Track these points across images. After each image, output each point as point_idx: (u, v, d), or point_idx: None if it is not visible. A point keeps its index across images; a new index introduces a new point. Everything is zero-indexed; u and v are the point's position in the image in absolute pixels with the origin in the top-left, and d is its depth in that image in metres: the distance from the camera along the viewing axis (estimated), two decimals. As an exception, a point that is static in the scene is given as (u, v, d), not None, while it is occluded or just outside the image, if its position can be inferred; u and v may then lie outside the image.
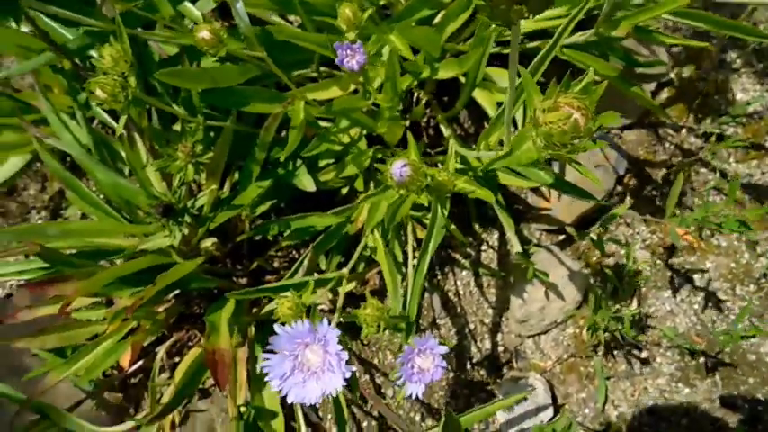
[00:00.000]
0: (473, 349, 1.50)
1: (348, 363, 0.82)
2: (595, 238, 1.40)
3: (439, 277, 1.54)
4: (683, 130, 1.59)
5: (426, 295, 1.52)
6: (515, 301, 1.44)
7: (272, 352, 0.84)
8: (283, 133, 1.34)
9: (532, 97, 0.65)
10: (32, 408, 1.38)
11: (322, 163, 1.39)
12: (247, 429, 1.34)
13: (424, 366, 0.89)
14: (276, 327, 0.83)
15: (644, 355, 1.47)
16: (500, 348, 1.50)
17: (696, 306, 1.49)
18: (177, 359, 1.53)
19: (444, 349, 0.88)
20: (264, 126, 1.23)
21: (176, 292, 1.48)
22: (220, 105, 1.21)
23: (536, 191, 1.55)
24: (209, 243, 1.36)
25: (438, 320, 1.52)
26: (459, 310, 1.52)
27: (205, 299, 1.53)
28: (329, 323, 0.82)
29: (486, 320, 1.51)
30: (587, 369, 1.48)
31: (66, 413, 1.39)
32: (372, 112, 1.31)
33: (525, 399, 1.37)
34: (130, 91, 0.92)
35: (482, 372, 1.49)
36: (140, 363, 1.50)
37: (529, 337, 1.49)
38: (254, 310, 1.43)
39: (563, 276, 1.43)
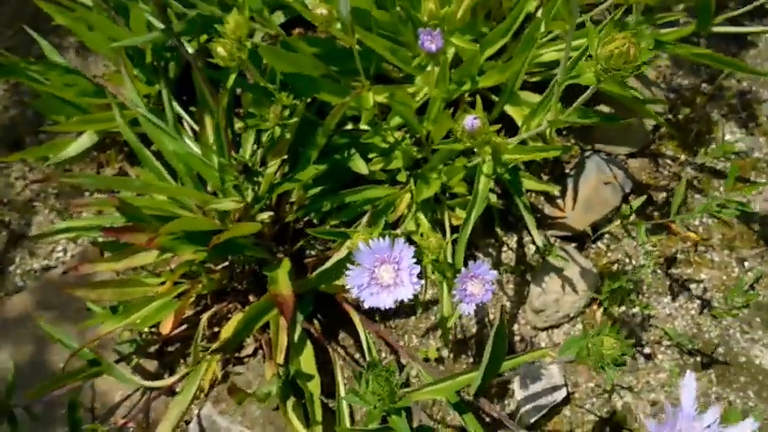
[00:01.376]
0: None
1: (420, 276, 0.98)
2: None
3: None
4: (680, 161, 1.82)
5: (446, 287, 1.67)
6: (534, 290, 1.59)
7: (352, 265, 0.99)
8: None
9: (593, 37, 0.85)
10: (83, 355, 1.48)
11: (371, 155, 1.58)
12: (285, 387, 1.44)
13: (474, 291, 1.04)
14: (360, 244, 0.99)
15: (647, 351, 1.62)
16: (516, 338, 1.64)
17: (693, 312, 1.66)
18: (216, 329, 1.64)
19: (494, 275, 1.04)
20: (331, 113, 1.43)
21: (225, 264, 1.62)
22: (299, 89, 1.40)
23: (551, 202, 1.75)
24: (265, 216, 1.52)
25: (461, 310, 1.66)
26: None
27: (248, 275, 1.67)
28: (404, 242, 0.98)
29: (504, 312, 1.66)
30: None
31: (113, 364, 1.49)
32: (421, 110, 1.51)
33: (541, 377, 1.50)
34: (245, 51, 1.11)
35: (499, 358, 1.62)
36: (181, 329, 1.61)
37: (543, 329, 1.64)
38: (298, 281, 1.56)
39: (576, 273, 1.60)
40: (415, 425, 1.16)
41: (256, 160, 1.40)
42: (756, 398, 1.57)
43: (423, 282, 0.98)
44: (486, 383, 1.16)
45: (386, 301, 0.98)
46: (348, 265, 0.99)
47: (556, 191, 1.57)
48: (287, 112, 1.31)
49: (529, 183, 1.60)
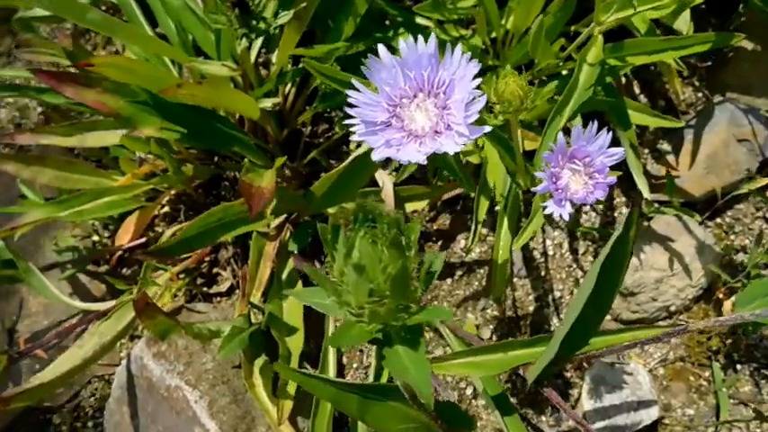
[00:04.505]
0: (554, 321, 1.16)
1: (479, 121, 0.53)
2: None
3: (524, 221, 1.24)
4: None
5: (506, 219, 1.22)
6: (627, 262, 1.12)
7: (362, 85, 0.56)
8: None
9: None
10: (-4, 250, 1.09)
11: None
12: (254, 335, 1.01)
13: (574, 186, 0.59)
14: (380, 48, 0.56)
15: (781, 380, 1.12)
16: (589, 329, 1.16)
17: None
18: (188, 255, 1.23)
19: (619, 154, 0.59)
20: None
21: (209, 166, 1.22)
22: None
23: (659, 157, 1.28)
24: (269, 103, 1.11)
25: (515, 279, 1.20)
26: (543, 272, 1.21)
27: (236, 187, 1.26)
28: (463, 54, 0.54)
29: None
30: (699, 381, 1.13)
31: (33, 268, 1.09)
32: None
33: (623, 386, 1.02)
34: None
35: (561, 353, 1.14)
36: (141, 242, 1.21)
37: (629, 323, 1.16)
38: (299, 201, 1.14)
39: (691, 247, 1.12)
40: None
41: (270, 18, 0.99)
42: None
43: (485, 129, 0.53)
44: (567, 356, 0.69)
45: (413, 155, 0.54)
46: (354, 83, 0.55)
47: (679, 124, 1.10)
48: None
49: (638, 115, 1.14)
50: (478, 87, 0.53)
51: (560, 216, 0.59)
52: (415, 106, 0.56)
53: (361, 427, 0.94)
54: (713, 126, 1.25)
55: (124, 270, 1.28)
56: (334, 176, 1.00)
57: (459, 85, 0.54)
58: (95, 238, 1.25)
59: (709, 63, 1.36)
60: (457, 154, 0.57)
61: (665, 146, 1.29)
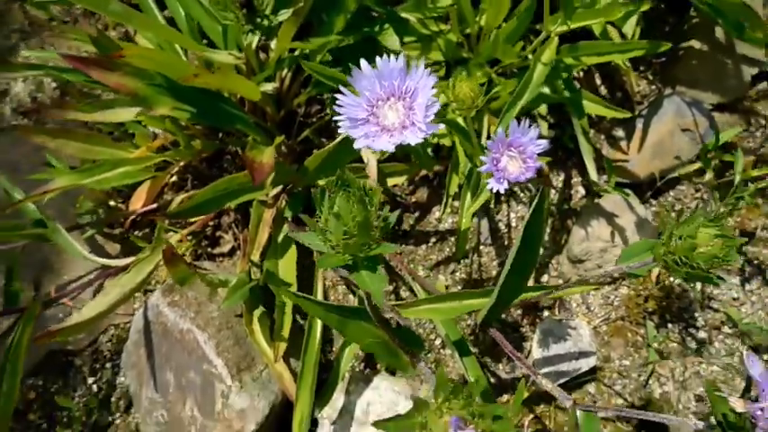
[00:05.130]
0: (514, 284, 1.34)
1: (436, 118, 0.70)
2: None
3: (493, 206, 1.41)
4: (778, 123, 1.49)
5: (475, 219, 1.39)
6: (577, 234, 1.30)
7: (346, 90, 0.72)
8: None
9: None
10: (27, 212, 1.25)
11: (407, 39, 1.30)
12: (254, 290, 1.18)
13: (510, 168, 0.76)
14: (362, 62, 0.72)
15: (701, 335, 1.30)
16: (543, 291, 1.34)
17: (767, 300, 1.34)
18: (194, 220, 1.39)
19: (542, 145, 0.75)
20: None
21: (214, 141, 1.37)
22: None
23: (614, 143, 1.45)
24: (269, 87, 1.26)
25: (482, 247, 1.37)
26: (506, 241, 1.38)
27: (241, 167, 1.41)
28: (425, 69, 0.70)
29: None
30: (636, 337, 1.31)
31: (60, 227, 1.25)
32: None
33: (567, 338, 1.21)
34: None
35: (518, 311, 1.33)
36: (152, 207, 1.37)
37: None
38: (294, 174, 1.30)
39: (632, 223, 1.29)
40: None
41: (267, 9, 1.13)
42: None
43: (440, 127, 0.70)
44: (504, 304, 0.87)
45: (384, 144, 0.70)
46: (341, 88, 0.71)
47: (627, 115, 1.26)
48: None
49: (592, 106, 1.30)
50: (440, 90, 0.69)
51: (495, 191, 0.76)
52: (388, 107, 0.72)
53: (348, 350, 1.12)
54: (661, 116, 1.42)
55: (136, 232, 1.44)
56: (324, 153, 1.17)
57: (422, 92, 0.69)
58: (111, 203, 1.40)
59: (663, 59, 1.52)
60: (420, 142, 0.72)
61: (620, 133, 1.46)
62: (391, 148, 0.69)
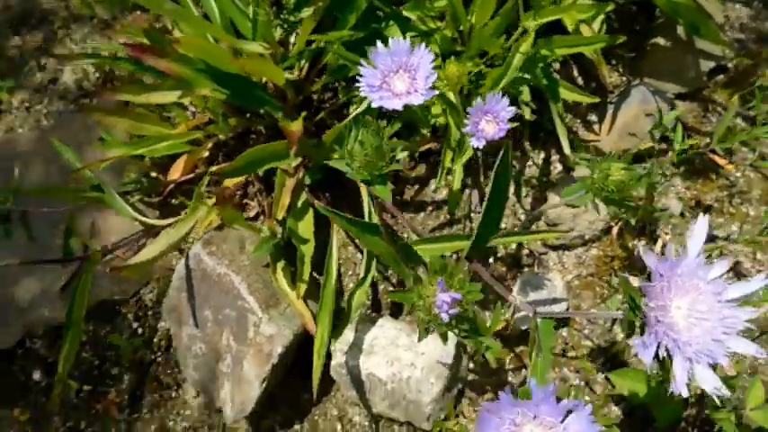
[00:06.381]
0: (499, 246, 1.56)
1: (434, 87, 0.92)
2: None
3: (482, 179, 1.63)
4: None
5: (466, 191, 1.61)
6: (552, 200, 1.52)
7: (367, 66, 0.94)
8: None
9: None
10: (86, 177, 1.47)
11: (409, 34, 1.52)
12: (277, 246, 1.40)
13: (487, 129, 0.98)
14: (378, 44, 0.94)
15: (660, 288, 1.52)
16: (525, 252, 1.56)
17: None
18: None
19: (511, 111, 0.97)
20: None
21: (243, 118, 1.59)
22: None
23: (588, 126, 1.67)
24: (293, 75, 1.48)
25: (472, 215, 1.59)
26: (494, 209, 1.60)
27: (264, 141, 1.63)
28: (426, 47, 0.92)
29: (517, 224, 1.58)
30: (603, 290, 1.53)
31: (114, 193, 1.47)
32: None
33: (543, 287, 1.42)
34: None
35: (503, 267, 1.54)
36: (188, 177, 1.58)
37: (554, 248, 1.56)
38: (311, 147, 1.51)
39: (600, 192, 1.51)
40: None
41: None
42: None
43: (436, 93, 0.92)
44: (484, 240, 1.09)
45: (395, 104, 0.92)
46: (362, 62, 0.93)
47: (595, 100, 1.49)
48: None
49: (567, 92, 1.53)
50: (435, 68, 0.91)
51: (477, 147, 0.98)
52: (397, 78, 0.94)
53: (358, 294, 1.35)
54: (629, 103, 1.64)
55: (173, 201, 1.66)
56: (340, 128, 1.39)
57: (423, 67, 0.92)
58: (153, 174, 1.62)
59: (633, 54, 1.74)
60: (420, 106, 0.94)
61: (594, 118, 1.68)
62: (399, 107, 0.92)
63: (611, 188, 0.96)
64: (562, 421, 0.73)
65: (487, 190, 1.59)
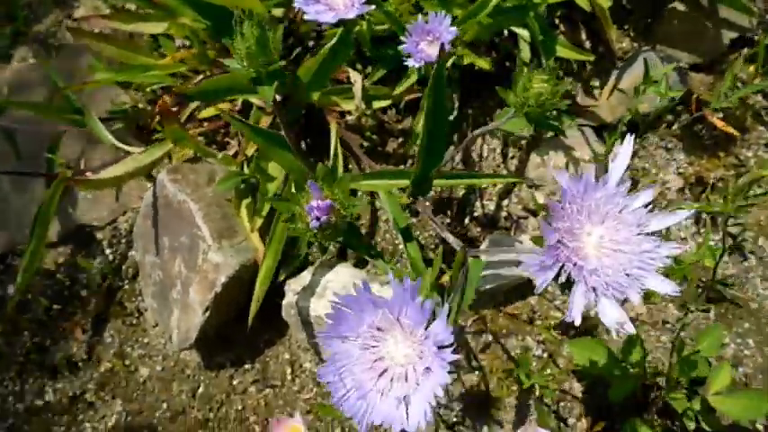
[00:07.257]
0: (476, 205, 1.49)
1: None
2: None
3: (464, 126, 1.56)
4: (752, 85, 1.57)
5: (451, 148, 1.54)
6: (533, 161, 1.44)
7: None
8: None
9: None
10: (67, 98, 1.49)
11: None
12: (246, 182, 1.38)
13: (427, 50, 0.92)
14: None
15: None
16: (503, 214, 1.49)
17: (712, 243, 1.44)
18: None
19: (453, 33, 0.91)
20: None
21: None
22: None
23: (589, 92, 1.57)
24: (279, 12, 1.46)
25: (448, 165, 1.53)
26: (476, 168, 1.53)
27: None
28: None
29: (499, 186, 1.51)
30: (582, 262, 1.44)
31: (94, 116, 1.48)
32: None
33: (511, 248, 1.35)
34: None
35: (478, 228, 1.48)
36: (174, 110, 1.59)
37: (535, 214, 1.48)
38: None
39: (586, 155, 1.42)
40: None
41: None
42: (756, 348, 1.34)
43: (372, 7, 0.87)
44: (428, 171, 1.03)
45: (329, 18, 0.88)
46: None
47: (589, 58, 1.39)
48: None
49: (564, 50, 1.44)
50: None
51: (412, 65, 0.93)
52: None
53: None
54: (633, 69, 1.53)
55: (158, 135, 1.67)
56: (314, 64, 1.35)
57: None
58: (140, 105, 1.64)
59: (649, 20, 1.63)
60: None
61: (596, 83, 1.58)
62: (333, 21, 0.88)
63: (530, 102, 0.88)
64: (426, 327, 0.68)
65: (478, 154, 1.54)
